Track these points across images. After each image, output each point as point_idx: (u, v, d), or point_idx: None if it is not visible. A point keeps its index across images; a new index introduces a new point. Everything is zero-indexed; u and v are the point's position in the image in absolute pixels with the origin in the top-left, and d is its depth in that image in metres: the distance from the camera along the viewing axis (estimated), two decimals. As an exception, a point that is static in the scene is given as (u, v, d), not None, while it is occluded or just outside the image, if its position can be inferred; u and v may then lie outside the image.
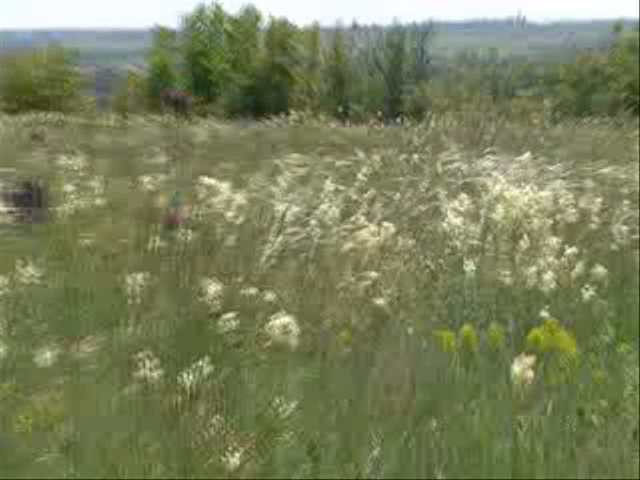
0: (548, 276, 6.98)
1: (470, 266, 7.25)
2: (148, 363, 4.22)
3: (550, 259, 7.28)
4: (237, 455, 3.92)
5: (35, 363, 4.82)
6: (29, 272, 6.10)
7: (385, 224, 7.49)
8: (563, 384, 5.24)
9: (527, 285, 7.10)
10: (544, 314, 6.32)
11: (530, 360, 4.32)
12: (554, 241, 7.52)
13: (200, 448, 4.20)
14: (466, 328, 6.00)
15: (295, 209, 8.16)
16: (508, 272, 7.24)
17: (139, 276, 5.81)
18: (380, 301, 6.26)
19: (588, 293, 6.79)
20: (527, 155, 13.66)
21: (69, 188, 10.54)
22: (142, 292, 5.80)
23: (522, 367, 4.30)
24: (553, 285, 6.97)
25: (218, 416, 4.39)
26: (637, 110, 38.92)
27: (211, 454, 4.11)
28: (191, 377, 4.33)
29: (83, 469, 4.20)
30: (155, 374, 4.21)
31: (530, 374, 4.30)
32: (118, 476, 4.01)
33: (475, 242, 7.81)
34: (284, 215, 7.94)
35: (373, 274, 6.69)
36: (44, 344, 4.98)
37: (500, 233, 7.67)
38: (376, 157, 14.48)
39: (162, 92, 31.37)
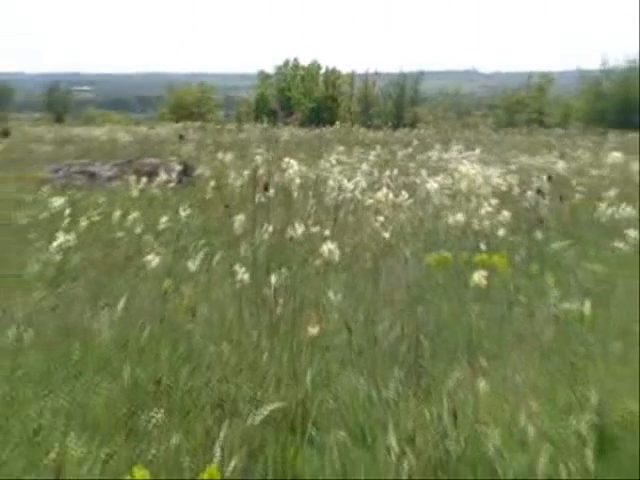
0: (486, 222, 6.68)
1: (444, 217, 7.00)
2: (243, 270, 4.05)
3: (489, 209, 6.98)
4: (314, 328, 3.68)
5: (187, 268, 4.69)
6: (181, 214, 6.01)
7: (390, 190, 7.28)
8: (500, 288, 5.04)
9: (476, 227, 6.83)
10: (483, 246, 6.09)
11: (484, 273, 4.11)
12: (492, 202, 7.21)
13: (282, 322, 4.05)
14: (440, 253, 5.81)
15: (340, 180, 7.96)
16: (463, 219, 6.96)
17: (242, 217, 5.61)
18: (389, 235, 6.03)
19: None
20: (477, 151, 13.30)
21: (205, 166, 10.44)
22: (246, 227, 5.63)
23: (480, 276, 4.09)
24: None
25: (293, 302, 4.24)
26: (541, 124, 38.69)
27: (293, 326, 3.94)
28: (275, 278, 4.16)
29: (211, 332, 4.10)
30: (246, 276, 4.03)
31: (484, 281, 4.09)
32: (231, 337, 3.88)
33: (447, 202, 7.54)
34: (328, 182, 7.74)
35: (384, 219, 6.46)
36: (192, 257, 4.84)
37: (463, 196, 7.37)
38: (386, 150, 14.24)
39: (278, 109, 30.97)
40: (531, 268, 5.76)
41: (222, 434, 2.72)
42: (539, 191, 7.92)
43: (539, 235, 6.64)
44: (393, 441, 2.78)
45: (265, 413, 2.92)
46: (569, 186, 9.58)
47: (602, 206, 7.78)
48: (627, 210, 7.35)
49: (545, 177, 9.87)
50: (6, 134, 21.12)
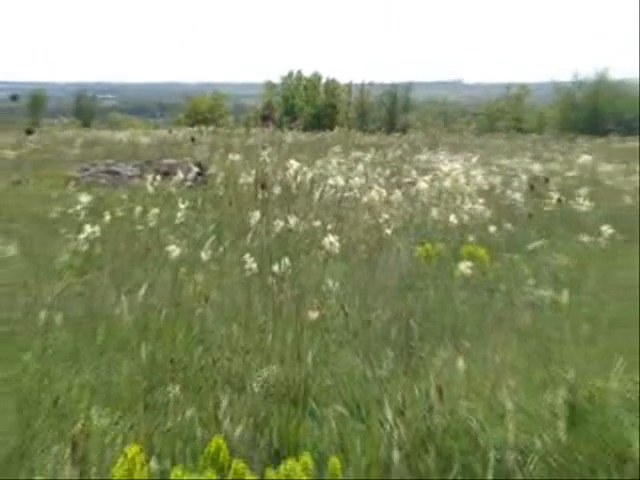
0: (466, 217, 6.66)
1: (431, 212, 6.95)
2: (251, 259, 4.01)
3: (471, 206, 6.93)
4: (314, 312, 3.64)
5: (200, 258, 4.64)
6: (195, 209, 5.96)
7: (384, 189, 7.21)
8: (481, 277, 5.01)
9: (461, 222, 6.79)
10: (471, 238, 6.07)
11: (470, 264, 4.08)
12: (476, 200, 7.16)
13: (286, 306, 4.02)
14: (428, 245, 5.77)
15: (338, 179, 7.89)
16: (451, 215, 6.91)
17: (257, 213, 5.57)
18: (384, 229, 5.99)
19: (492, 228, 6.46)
20: (465, 154, 13.20)
21: (217, 166, 10.37)
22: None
23: (465, 266, 4.06)
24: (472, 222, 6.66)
25: (295, 289, 4.21)
26: (519, 130, 38.49)
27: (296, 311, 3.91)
28: (279, 267, 4.12)
29: (222, 317, 4.07)
30: (254, 265, 3.99)
31: (469, 271, 4.05)
32: (239, 321, 3.86)
33: (434, 200, 7.49)
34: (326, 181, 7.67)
35: (383, 215, 6.42)
36: (207, 247, 4.78)
37: (448, 195, 7.31)
38: (380, 152, 14.14)
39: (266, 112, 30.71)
40: (509, 259, 5.73)
41: (231, 408, 2.70)
42: (532, 187, 7.87)
43: (517, 229, 6.59)
44: (389, 414, 2.77)
45: (261, 378, 2.92)
46: (545, 185, 9.53)
47: (571, 203, 7.75)
48: (586, 204, 7.31)
49: (534, 178, 9.84)
50: (30, 132, 21.10)
